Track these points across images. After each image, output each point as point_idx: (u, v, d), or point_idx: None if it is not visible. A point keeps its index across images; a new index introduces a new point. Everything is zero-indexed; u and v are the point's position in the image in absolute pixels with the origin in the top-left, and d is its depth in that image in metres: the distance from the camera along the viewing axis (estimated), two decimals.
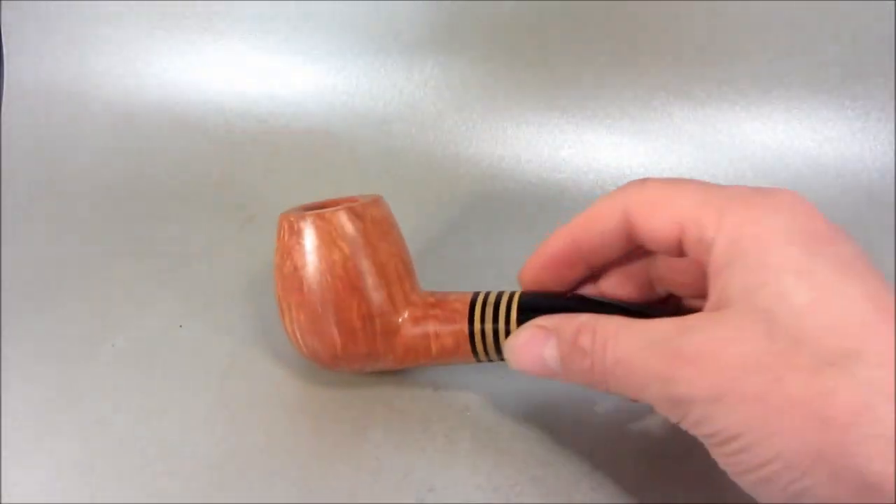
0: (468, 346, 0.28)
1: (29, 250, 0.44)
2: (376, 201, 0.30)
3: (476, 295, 0.29)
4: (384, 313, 0.29)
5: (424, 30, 0.50)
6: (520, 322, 0.27)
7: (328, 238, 0.28)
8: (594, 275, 0.28)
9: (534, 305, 0.27)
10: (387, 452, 0.29)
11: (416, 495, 0.27)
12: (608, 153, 0.47)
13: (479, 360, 0.29)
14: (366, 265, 0.28)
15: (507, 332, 0.27)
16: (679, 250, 0.24)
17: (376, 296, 0.28)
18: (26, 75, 0.54)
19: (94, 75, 0.54)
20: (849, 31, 0.44)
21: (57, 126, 0.53)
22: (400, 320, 0.29)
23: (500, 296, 0.28)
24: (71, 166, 0.51)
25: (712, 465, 0.21)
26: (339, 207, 0.29)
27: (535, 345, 0.25)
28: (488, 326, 0.28)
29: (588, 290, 0.28)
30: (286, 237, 0.29)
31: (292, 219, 0.29)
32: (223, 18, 0.52)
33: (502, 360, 0.27)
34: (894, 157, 0.44)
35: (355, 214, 0.29)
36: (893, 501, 0.17)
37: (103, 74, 0.54)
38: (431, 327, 0.29)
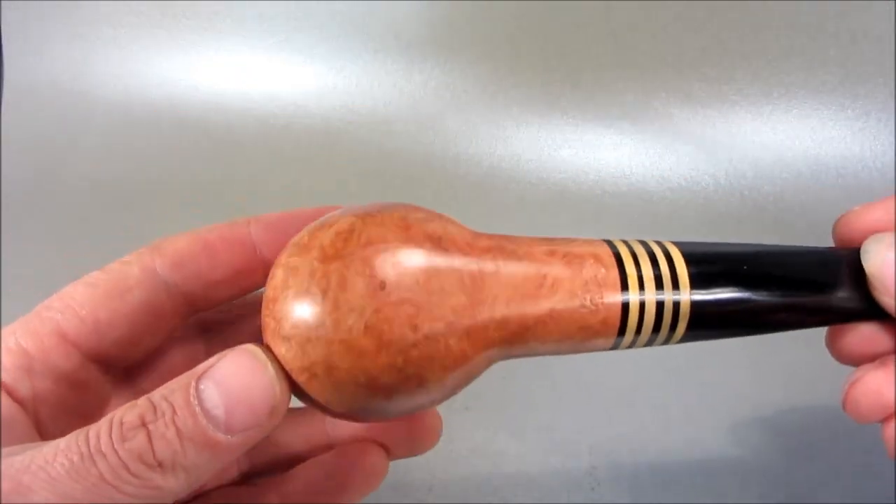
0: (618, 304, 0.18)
1: (29, 250, 0.44)
2: None
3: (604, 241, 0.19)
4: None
5: (424, 30, 0.50)
6: (693, 277, 0.18)
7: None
8: None
9: (703, 256, 0.19)
10: None
11: (416, 495, 0.27)
12: (608, 153, 0.47)
13: (619, 339, 0.18)
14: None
15: (676, 286, 0.18)
16: None
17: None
18: (26, 75, 0.54)
19: (94, 75, 0.54)
20: (849, 31, 0.44)
21: (57, 126, 0.53)
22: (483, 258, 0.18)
23: (643, 242, 0.19)
24: (71, 166, 0.51)
25: (712, 466, 0.21)
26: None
27: None
28: (647, 271, 0.18)
29: None
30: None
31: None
32: (223, 18, 0.52)
33: (654, 337, 0.18)
34: (894, 157, 0.44)
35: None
36: None
37: (103, 74, 0.54)
38: (552, 270, 0.18)
